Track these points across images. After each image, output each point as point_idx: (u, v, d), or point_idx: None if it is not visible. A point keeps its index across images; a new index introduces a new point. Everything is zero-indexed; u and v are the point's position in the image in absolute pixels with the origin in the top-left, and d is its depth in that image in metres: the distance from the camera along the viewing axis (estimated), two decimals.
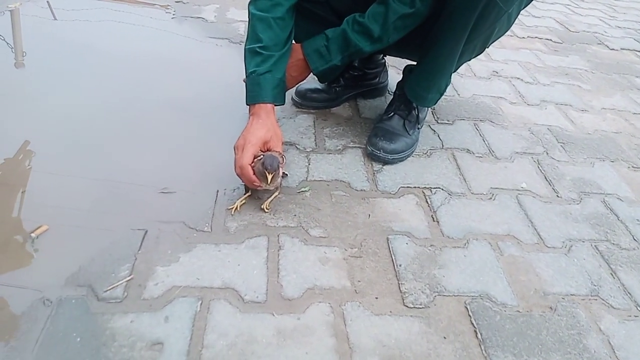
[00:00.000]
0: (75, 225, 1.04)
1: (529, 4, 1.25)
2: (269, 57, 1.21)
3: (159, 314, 0.88)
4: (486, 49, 1.38)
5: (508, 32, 1.26)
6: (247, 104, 1.23)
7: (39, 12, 1.70)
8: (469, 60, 1.37)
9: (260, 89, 1.20)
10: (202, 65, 1.78)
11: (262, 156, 1.13)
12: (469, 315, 0.96)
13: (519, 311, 0.99)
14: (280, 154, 1.17)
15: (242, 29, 2.03)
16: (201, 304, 0.91)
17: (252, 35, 1.23)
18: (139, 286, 0.93)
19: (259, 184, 1.12)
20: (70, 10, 1.86)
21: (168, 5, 2.23)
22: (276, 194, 1.18)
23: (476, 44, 1.26)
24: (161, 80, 1.64)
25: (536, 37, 2.54)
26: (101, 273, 0.94)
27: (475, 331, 0.93)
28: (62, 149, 1.26)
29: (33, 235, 0.99)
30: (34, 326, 0.83)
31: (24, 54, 1.50)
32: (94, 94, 1.51)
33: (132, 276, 0.94)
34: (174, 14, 2.14)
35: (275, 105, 1.24)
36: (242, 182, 1.16)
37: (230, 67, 1.74)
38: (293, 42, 1.32)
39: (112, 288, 0.91)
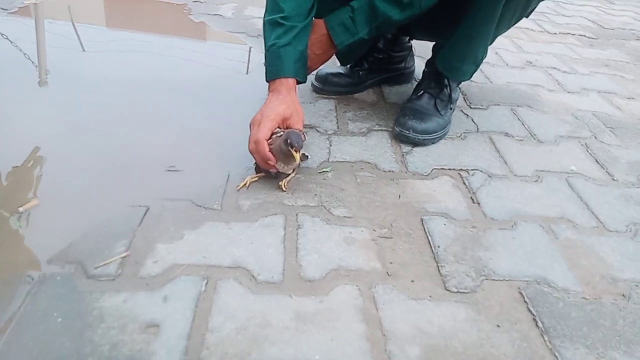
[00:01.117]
0: (70, 201, 0.92)
1: None
2: (291, 28, 1.10)
3: (156, 294, 0.74)
4: (525, 17, 1.25)
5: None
6: (266, 80, 1.12)
7: (68, 43, 1.65)
8: (508, 28, 1.24)
9: (281, 62, 1.09)
10: (216, 51, 1.69)
11: (281, 133, 1.00)
12: (525, 302, 0.80)
13: (585, 298, 0.83)
14: (302, 131, 1.05)
15: (260, 24, 1.95)
16: (207, 283, 0.77)
17: (272, 5, 1.13)
18: (135, 264, 0.80)
19: (273, 163, 0.99)
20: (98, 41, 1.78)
21: (185, 5, 2.18)
22: (292, 174, 1.05)
23: (518, 4, 1.13)
24: (174, 63, 1.55)
25: (569, 33, 2.41)
26: (94, 249, 0.81)
27: (534, 319, 0.77)
28: (68, 126, 1.17)
29: (21, 209, 0.88)
30: (9, 305, 0.71)
31: (48, 72, 1.45)
32: (105, 72, 1.43)
33: (128, 252, 0.81)
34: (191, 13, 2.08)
35: (297, 83, 1.12)
36: (255, 161, 1.04)
37: (245, 53, 1.65)
38: (314, 18, 1.21)
39: (104, 265, 0.78)
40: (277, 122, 1.03)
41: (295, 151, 0.95)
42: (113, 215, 0.90)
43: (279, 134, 1.01)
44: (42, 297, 0.72)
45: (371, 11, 1.15)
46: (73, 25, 1.83)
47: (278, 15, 1.11)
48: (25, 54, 1.52)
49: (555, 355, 0.72)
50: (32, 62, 1.49)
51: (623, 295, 0.84)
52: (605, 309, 0.81)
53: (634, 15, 2.98)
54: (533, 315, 0.78)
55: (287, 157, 0.98)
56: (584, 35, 2.39)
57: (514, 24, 1.24)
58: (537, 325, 0.76)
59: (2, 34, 1.62)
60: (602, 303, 0.82)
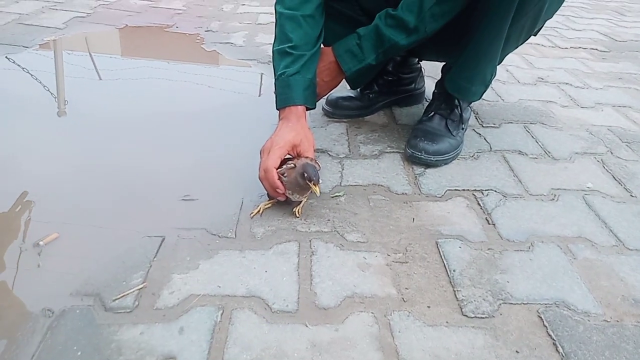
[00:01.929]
0: (88, 234, 0.94)
1: None
2: (299, 57, 1.13)
3: (173, 325, 0.75)
4: (533, 36, 1.25)
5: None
6: (277, 108, 1.14)
7: (86, 74, 1.72)
8: (516, 47, 1.25)
9: (290, 90, 1.11)
10: (228, 79, 1.73)
11: (293, 164, 1.01)
12: (545, 326, 0.79)
13: (606, 321, 0.81)
14: (314, 159, 1.06)
15: (270, 51, 1.99)
16: (222, 313, 0.78)
17: (281, 35, 1.16)
18: (152, 295, 0.81)
19: (282, 191, 1.00)
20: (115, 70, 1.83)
21: (198, 34, 2.24)
22: (305, 200, 1.05)
23: (524, 24, 1.14)
24: (188, 91, 1.59)
25: (580, 47, 2.40)
26: (111, 281, 0.83)
27: (554, 344, 0.76)
28: (85, 157, 1.20)
29: (41, 243, 0.90)
30: (31, 339, 0.72)
31: (66, 102, 1.50)
32: (120, 103, 1.47)
33: (145, 284, 0.82)
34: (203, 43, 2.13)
35: (307, 109, 1.14)
36: (265, 188, 1.04)
37: (255, 80, 1.68)
38: (322, 45, 1.24)
39: (121, 297, 0.80)
40: (287, 150, 1.05)
41: (314, 184, 0.96)
42: (130, 247, 0.91)
43: (289, 164, 1.01)
44: (62, 331, 0.73)
45: (377, 37, 1.17)
46: (91, 57, 1.89)
47: (286, 45, 1.13)
48: (45, 85, 1.58)
49: None
50: (52, 94, 1.54)
51: None
52: (628, 331, 0.79)
53: None
54: (553, 339, 0.77)
55: (303, 190, 0.99)
56: (596, 49, 2.38)
57: (522, 43, 1.24)
58: (557, 350, 0.75)
59: (23, 68, 1.68)
60: (624, 326, 0.80)
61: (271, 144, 1.05)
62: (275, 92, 1.14)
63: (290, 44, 1.13)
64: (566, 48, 2.36)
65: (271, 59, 1.20)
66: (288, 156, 1.06)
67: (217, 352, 0.71)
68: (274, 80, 1.16)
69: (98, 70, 1.76)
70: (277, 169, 1.01)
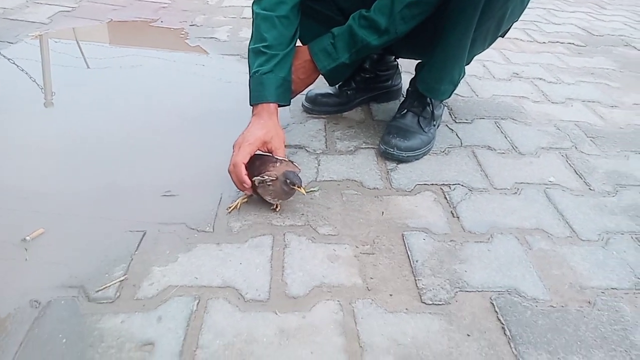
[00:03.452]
0: (72, 229, 1.00)
1: None
2: (273, 56, 1.18)
3: (151, 314, 0.81)
4: (500, 38, 1.31)
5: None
6: (250, 105, 1.19)
7: (73, 62, 1.76)
8: (483, 49, 1.30)
9: (263, 88, 1.17)
10: (210, 74, 1.77)
11: (273, 176, 1.03)
12: (496, 311, 0.86)
13: (552, 306, 0.88)
14: (288, 160, 1.11)
15: None
16: (198, 303, 0.84)
17: (256, 34, 1.21)
18: (133, 286, 0.87)
19: (249, 186, 1.06)
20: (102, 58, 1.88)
21: (182, 29, 2.27)
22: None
23: (489, 28, 1.20)
24: (168, 88, 1.63)
25: (557, 42, 2.46)
26: (95, 274, 0.88)
27: (503, 328, 0.83)
28: (69, 153, 1.24)
29: (28, 238, 0.95)
30: (18, 328, 0.78)
31: (53, 94, 1.54)
32: (100, 98, 1.51)
33: (126, 276, 0.88)
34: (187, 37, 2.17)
35: (280, 106, 1.19)
36: (233, 181, 1.09)
37: (237, 76, 1.73)
38: (300, 44, 1.29)
39: (104, 288, 0.85)
40: (257, 147, 1.10)
41: (299, 187, 1.02)
42: (113, 241, 0.97)
43: (264, 178, 1.03)
44: (48, 321, 0.79)
45: (351, 37, 1.22)
46: (79, 48, 1.93)
47: (261, 45, 1.18)
48: (31, 77, 1.62)
49: None
50: (39, 85, 1.58)
51: (589, 302, 0.89)
52: (570, 315, 0.86)
53: (624, 20, 3.02)
54: (502, 324, 0.84)
55: (289, 195, 1.05)
56: (573, 44, 2.45)
57: (488, 46, 1.30)
58: (505, 333, 0.82)
59: (9, 59, 1.71)
60: (568, 310, 0.87)
61: (242, 140, 1.10)
62: (249, 89, 1.19)
63: (264, 44, 1.18)
64: (544, 43, 2.42)
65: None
66: (259, 152, 1.11)
67: (192, 338, 0.78)
68: (248, 77, 1.21)
69: (86, 60, 1.80)
70: (254, 175, 1.05)
